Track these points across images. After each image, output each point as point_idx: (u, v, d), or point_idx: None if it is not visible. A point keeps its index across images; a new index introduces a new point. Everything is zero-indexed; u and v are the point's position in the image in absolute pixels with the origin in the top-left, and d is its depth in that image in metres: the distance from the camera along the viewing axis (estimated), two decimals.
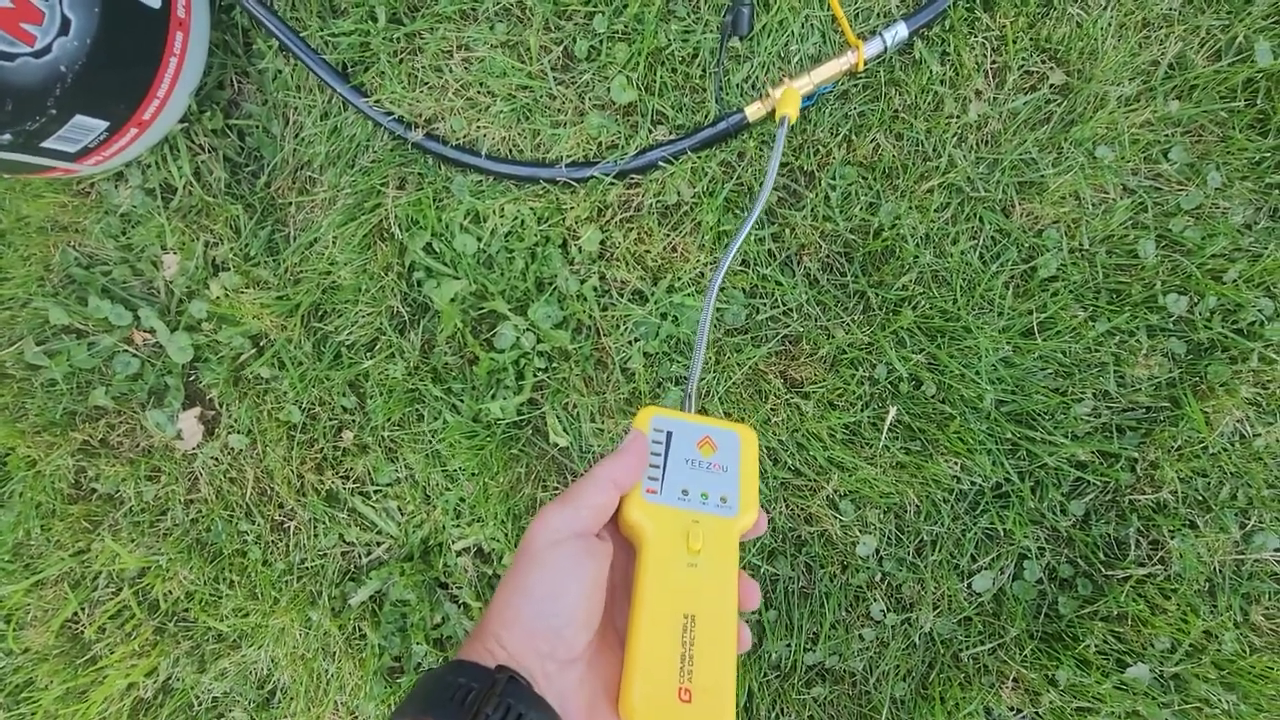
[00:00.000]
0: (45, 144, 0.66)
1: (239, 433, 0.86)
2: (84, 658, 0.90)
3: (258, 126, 0.83)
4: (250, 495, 0.87)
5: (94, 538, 0.88)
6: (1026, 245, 0.73)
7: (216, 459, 0.87)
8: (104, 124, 0.69)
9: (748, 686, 0.81)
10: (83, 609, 0.90)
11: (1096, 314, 0.73)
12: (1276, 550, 0.74)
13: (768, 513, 0.78)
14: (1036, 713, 0.77)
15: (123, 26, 0.64)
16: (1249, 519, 0.74)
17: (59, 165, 0.72)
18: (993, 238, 0.74)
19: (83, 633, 0.90)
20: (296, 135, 0.82)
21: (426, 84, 0.77)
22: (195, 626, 0.90)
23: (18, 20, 0.56)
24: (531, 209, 0.78)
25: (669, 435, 0.41)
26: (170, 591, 0.89)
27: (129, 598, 0.89)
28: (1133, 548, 0.74)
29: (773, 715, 0.81)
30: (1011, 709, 0.77)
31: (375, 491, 0.87)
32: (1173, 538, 0.73)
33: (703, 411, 0.78)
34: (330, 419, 0.85)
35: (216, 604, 0.88)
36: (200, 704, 0.91)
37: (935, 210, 0.73)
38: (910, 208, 0.73)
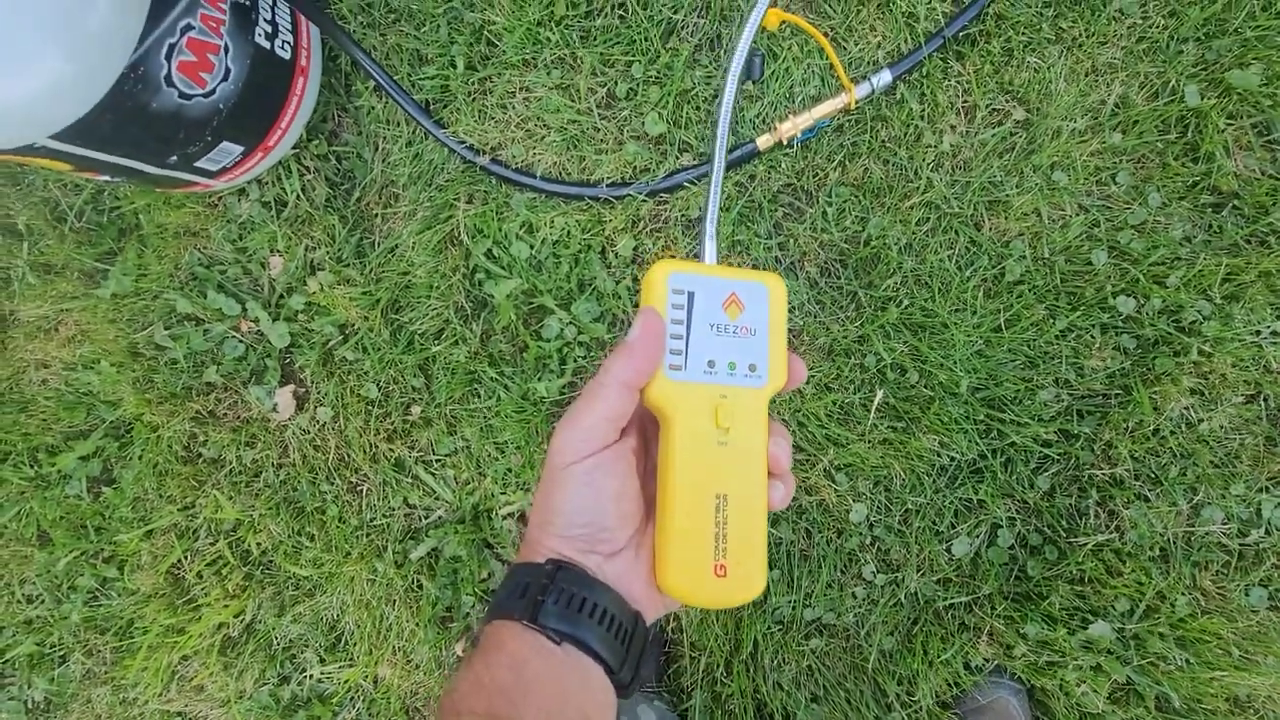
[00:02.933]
0: (197, 164, 0.84)
1: (325, 406, 1.01)
2: (184, 599, 1.05)
3: (353, 152, 1.00)
4: (331, 461, 1.02)
5: (199, 494, 1.04)
6: (995, 254, 0.86)
7: (305, 429, 1.02)
8: (240, 148, 0.87)
9: (753, 637, 0.92)
10: (186, 556, 1.05)
11: (1056, 313, 0.85)
12: (1223, 523, 0.84)
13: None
14: (1011, 663, 0.87)
15: (264, 73, 0.82)
16: (1196, 494, 0.84)
17: (201, 181, 0.90)
18: (966, 247, 0.87)
19: (184, 577, 1.05)
20: (384, 160, 0.99)
21: (494, 118, 0.94)
22: (278, 574, 1.04)
23: (198, 70, 0.73)
24: (576, 221, 0.94)
25: (691, 296, 0.37)
26: (260, 543, 1.04)
27: (224, 548, 1.05)
28: (1091, 517, 0.85)
29: (775, 663, 0.93)
30: (986, 660, 0.87)
31: (436, 461, 1.02)
32: (1127, 509, 0.84)
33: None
34: (402, 396, 1.00)
35: (298, 554, 1.03)
36: (278, 643, 1.05)
37: (916, 224, 0.87)
38: (895, 221, 0.87)
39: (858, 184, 0.88)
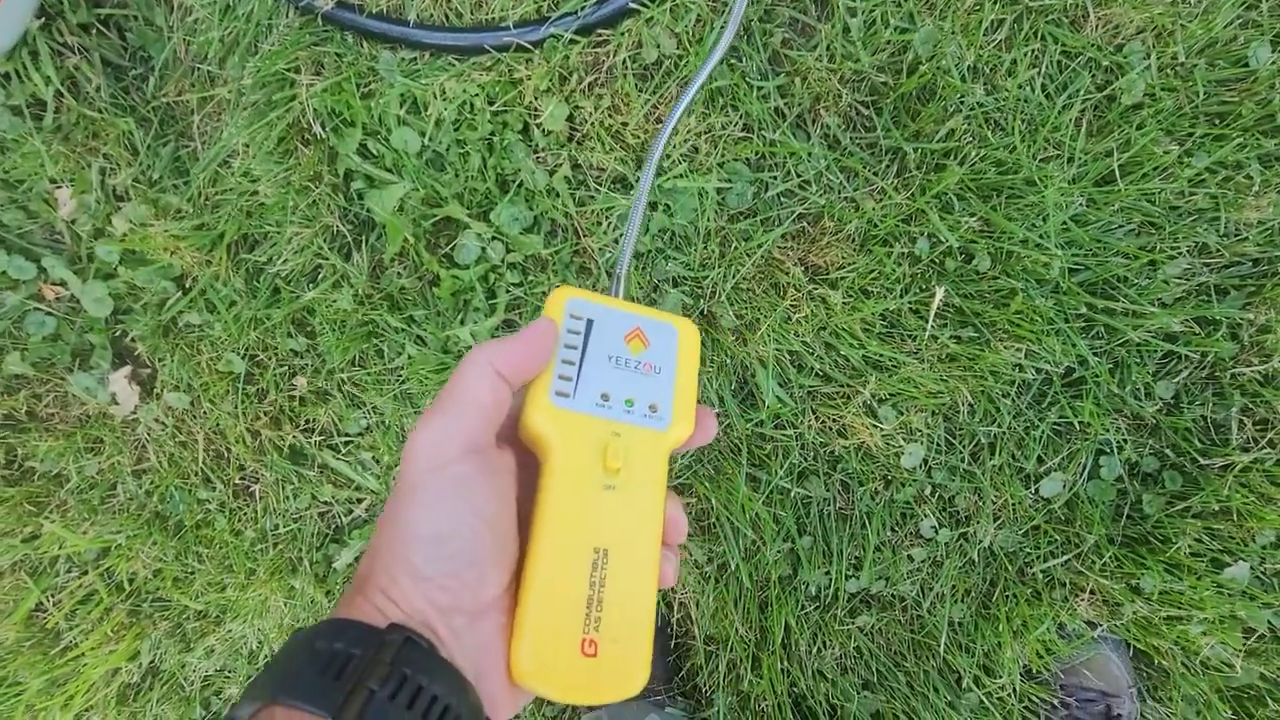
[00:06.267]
0: None
1: (178, 390, 0.74)
2: (58, 647, 0.83)
3: (137, 17, 0.67)
4: (204, 459, 0.76)
5: (42, 520, 0.79)
6: (1103, 66, 0.58)
7: (160, 422, 0.76)
8: None
9: (784, 622, 0.72)
10: (47, 596, 0.82)
11: (1194, 147, 0.58)
12: None
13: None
14: (1116, 624, 0.68)
15: None
16: None
17: None
18: (1059, 61, 0.58)
19: (49, 622, 0.82)
20: (184, 23, 0.67)
21: None
22: (172, 605, 0.82)
23: None
24: (480, 86, 0.63)
25: (589, 324, 0.34)
26: (136, 571, 0.80)
27: (95, 580, 0.81)
28: (1234, 430, 0.62)
29: (814, 649, 0.73)
30: (1088, 623, 0.68)
31: (345, 443, 0.77)
32: None
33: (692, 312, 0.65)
34: (279, 365, 0.73)
35: (189, 580, 0.80)
36: (191, 683, 0.84)
37: (985, 31, 0.58)
38: (952, 31, 0.58)
39: None
